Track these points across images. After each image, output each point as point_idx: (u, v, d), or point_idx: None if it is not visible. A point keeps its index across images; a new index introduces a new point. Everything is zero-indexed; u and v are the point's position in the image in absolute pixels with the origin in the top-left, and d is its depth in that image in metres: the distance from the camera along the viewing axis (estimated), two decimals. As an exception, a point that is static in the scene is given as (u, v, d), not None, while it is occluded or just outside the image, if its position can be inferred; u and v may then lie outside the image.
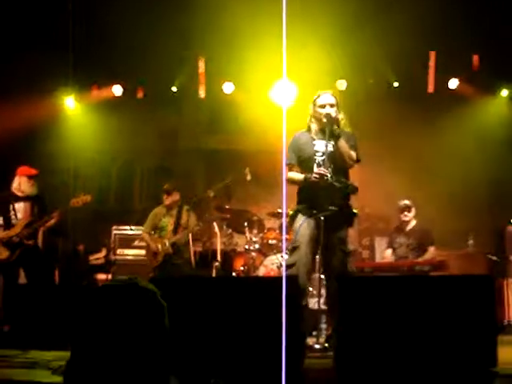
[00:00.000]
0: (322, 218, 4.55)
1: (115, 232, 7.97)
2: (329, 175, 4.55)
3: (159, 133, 9.20)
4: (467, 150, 8.09)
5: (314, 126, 4.85)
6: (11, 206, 6.38)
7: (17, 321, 6.06)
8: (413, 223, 7.06)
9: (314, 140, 4.80)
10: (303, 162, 4.80)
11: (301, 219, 4.71)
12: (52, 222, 6.39)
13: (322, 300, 5.40)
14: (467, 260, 7.18)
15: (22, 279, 6.41)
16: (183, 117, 8.99)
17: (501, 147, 7.99)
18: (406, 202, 7.07)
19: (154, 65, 8.40)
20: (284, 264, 4.74)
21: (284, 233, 4.80)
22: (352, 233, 7.88)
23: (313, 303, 6.06)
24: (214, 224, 7.69)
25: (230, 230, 7.73)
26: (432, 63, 8.14)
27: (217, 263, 7.51)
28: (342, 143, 4.65)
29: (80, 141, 8.28)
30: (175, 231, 7.12)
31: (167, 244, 7.04)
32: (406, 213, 7.04)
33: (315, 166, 4.70)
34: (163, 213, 7.29)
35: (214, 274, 7.43)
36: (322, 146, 4.73)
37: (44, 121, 8.30)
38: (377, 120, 8.04)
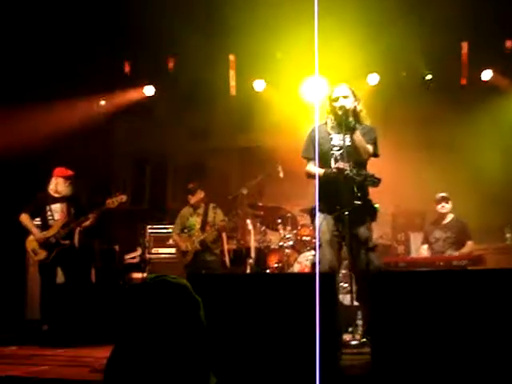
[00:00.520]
0: (343, 213, 4.52)
1: (150, 231, 8.05)
2: (348, 169, 4.52)
3: (191, 132, 9.25)
4: (503, 142, 7.94)
5: (331, 120, 4.83)
6: (48, 207, 6.48)
7: (55, 320, 6.17)
8: (450, 217, 6.97)
9: (331, 134, 4.77)
10: (321, 156, 4.74)
11: (320, 217, 4.69)
12: (88, 222, 6.47)
13: (355, 296, 5.38)
14: (505, 254, 7.04)
15: (60, 279, 6.51)
16: (215, 115, 9.01)
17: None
18: (443, 194, 6.99)
19: (184, 63, 8.44)
20: (316, 261, 4.70)
21: (317, 229, 4.74)
22: (387, 229, 7.86)
23: (347, 299, 6.03)
24: (248, 221, 7.71)
25: (264, 227, 7.72)
26: (465, 54, 7.99)
27: (251, 260, 7.52)
28: (357, 136, 4.61)
29: (113, 142, 8.38)
30: (203, 229, 7.17)
31: (195, 242, 7.10)
32: (443, 204, 6.96)
33: (332, 160, 4.68)
34: (190, 212, 7.36)
35: (248, 272, 7.44)
36: (338, 140, 4.71)
37: (79, 122, 8.42)
38: (410, 114, 7.95)
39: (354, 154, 4.62)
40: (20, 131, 7.49)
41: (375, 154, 4.79)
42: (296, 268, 6.95)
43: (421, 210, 7.96)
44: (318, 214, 4.72)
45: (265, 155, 8.25)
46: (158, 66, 8.55)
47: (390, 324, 3.39)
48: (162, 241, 7.97)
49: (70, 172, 6.60)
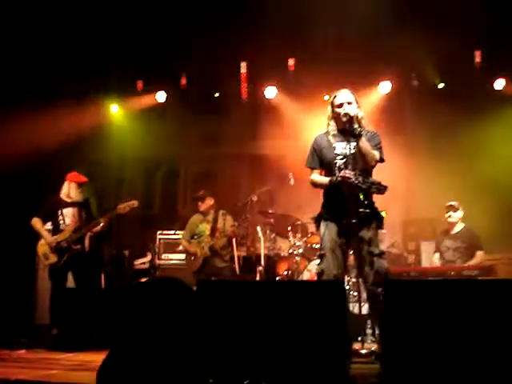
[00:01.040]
0: (350, 221, 4.47)
1: (160, 237, 8.07)
2: (353, 177, 4.45)
3: (202, 138, 9.27)
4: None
5: (333, 128, 4.75)
6: (59, 212, 6.50)
7: (65, 324, 6.18)
8: (460, 226, 6.92)
9: (333, 143, 4.70)
10: (325, 166, 4.73)
11: (322, 225, 4.68)
12: (99, 227, 6.49)
13: (365, 305, 5.35)
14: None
15: (70, 283, 6.52)
16: (226, 122, 9.03)
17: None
18: (452, 202, 6.95)
19: (196, 69, 8.47)
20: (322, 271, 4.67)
21: (322, 238, 4.72)
22: (397, 237, 7.83)
23: (357, 308, 6.01)
24: (258, 228, 7.70)
25: (274, 235, 7.71)
26: (478, 63, 7.96)
27: (260, 268, 7.51)
28: (364, 143, 4.52)
29: (125, 147, 8.40)
30: (212, 235, 7.19)
31: (205, 248, 7.12)
32: (451, 213, 6.91)
33: (336, 170, 4.62)
34: (199, 219, 7.40)
35: (257, 279, 7.43)
36: (341, 149, 4.65)
37: (90, 127, 8.46)
38: (422, 122, 7.93)
39: (358, 162, 4.56)
40: (32, 135, 7.54)
41: (381, 159, 4.70)
42: (306, 276, 6.93)
43: (432, 219, 7.91)
44: (322, 222, 4.70)
45: (276, 163, 8.25)
46: (170, 73, 8.58)
47: (402, 333, 3.36)
48: (171, 247, 7.98)
49: (83, 178, 6.62)
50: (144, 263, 8.23)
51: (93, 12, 7.19)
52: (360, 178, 4.48)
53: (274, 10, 7.05)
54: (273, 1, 6.96)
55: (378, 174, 4.79)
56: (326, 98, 8.28)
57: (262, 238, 7.68)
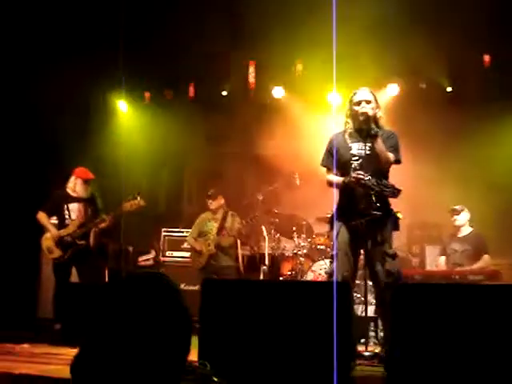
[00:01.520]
0: (360, 222, 4.45)
1: (164, 234, 8.07)
2: (366, 178, 4.39)
3: (209, 136, 9.26)
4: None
5: (350, 126, 4.68)
6: (65, 206, 6.50)
7: (68, 319, 6.18)
8: (467, 230, 6.92)
9: (349, 143, 4.63)
10: (341, 166, 4.66)
11: (337, 225, 4.62)
12: (104, 224, 6.49)
13: (369, 307, 5.34)
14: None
15: (74, 278, 6.53)
16: (233, 121, 9.02)
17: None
18: (456, 206, 6.95)
19: (204, 68, 8.47)
20: (334, 271, 4.63)
21: (334, 238, 4.69)
22: (402, 240, 7.81)
23: (360, 310, 6.00)
24: (263, 228, 7.69)
25: (278, 235, 7.71)
26: (486, 67, 7.94)
27: (264, 267, 7.51)
28: (379, 144, 4.46)
29: (131, 143, 8.40)
30: (219, 234, 7.20)
31: (211, 245, 7.12)
32: (454, 216, 6.92)
33: (352, 170, 4.55)
34: (208, 218, 7.41)
35: (261, 278, 7.43)
36: (357, 150, 4.60)
37: (97, 123, 8.47)
38: (430, 125, 7.90)
39: (373, 163, 4.49)
40: (39, 129, 7.55)
41: (397, 161, 4.64)
42: (309, 276, 6.92)
43: (438, 223, 7.90)
44: (335, 222, 4.67)
45: (281, 162, 8.23)
46: (177, 69, 8.58)
47: (408, 337, 3.35)
48: (176, 244, 7.99)
49: (90, 175, 6.62)
50: (148, 260, 8.24)
51: (100, 4, 7.18)
52: (373, 180, 4.40)
53: (281, 11, 7.06)
54: (281, 1, 6.98)
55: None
56: (330, 98, 8.34)
57: (266, 238, 7.68)
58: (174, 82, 8.87)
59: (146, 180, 9.28)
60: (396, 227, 4.66)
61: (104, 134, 8.52)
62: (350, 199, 4.56)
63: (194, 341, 2.93)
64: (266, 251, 7.60)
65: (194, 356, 3.46)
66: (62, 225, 6.49)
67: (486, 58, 7.93)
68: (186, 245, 7.82)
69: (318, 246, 7.28)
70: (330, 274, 4.63)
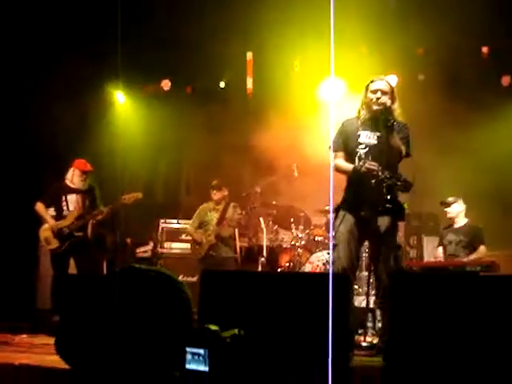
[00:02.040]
0: (364, 214, 4.41)
1: (162, 225, 8.07)
2: (379, 170, 4.30)
3: (207, 128, 9.23)
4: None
5: (364, 114, 4.62)
6: (64, 197, 6.51)
7: (66, 310, 6.18)
8: (463, 221, 6.95)
9: (359, 131, 4.58)
10: (347, 152, 4.63)
11: (340, 215, 4.58)
12: (102, 216, 6.51)
13: (369, 298, 5.36)
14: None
15: (72, 269, 6.54)
16: (231, 112, 9.01)
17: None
18: (449, 198, 6.98)
19: (202, 60, 8.45)
20: (330, 261, 4.64)
21: (331, 230, 4.67)
22: (399, 231, 7.82)
23: (359, 301, 6.03)
24: (261, 219, 7.71)
25: (276, 226, 7.73)
26: (485, 59, 7.94)
27: (262, 259, 7.53)
28: (394, 136, 4.39)
29: (129, 135, 8.40)
30: (219, 224, 7.20)
31: (211, 236, 7.13)
32: (446, 209, 6.98)
33: (357, 158, 4.51)
34: (210, 208, 7.40)
35: (259, 270, 7.45)
36: (365, 138, 4.54)
37: (95, 114, 8.46)
38: (427, 117, 7.90)
39: (383, 154, 4.40)
40: (38, 121, 7.54)
41: (407, 154, 4.58)
42: (307, 268, 6.94)
43: (435, 214, 7.92)
44: (340, 212, 4.61)
45: (280, 154, 8.23)
46: (176, 62, 8.57)
47: (407, 326, 3.36)
48: (174, 235, 7.99)
49: (88, 167, 6.62)
50: (146, 251, 8.24)
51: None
52: (386, 172, 4.32)
53: (279, 3, 7.04)
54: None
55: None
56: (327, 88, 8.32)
57: (264, 229, 7.69)
58: (171, 73, 8.85)
59: (144, 171, 9.28)
60: (402, 218, 4.61)
61: (102, 125, 8.52)
62: (360, 189, 4.48)
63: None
64: (264, 243, 7.62)
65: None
66: (59, 216, 6.50)
67: (485, 49, 7.93)
68: (184, 236, 7.84)
69: (316, 238, 7.30)
70: (327, 264, 4.63)
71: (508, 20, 7.12)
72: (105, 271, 7.73)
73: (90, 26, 7.48)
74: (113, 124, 8.70)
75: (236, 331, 2.60)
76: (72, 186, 6.56)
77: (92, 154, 7.16)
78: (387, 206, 4.34)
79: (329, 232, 7.11)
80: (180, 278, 7.57)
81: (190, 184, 9.72)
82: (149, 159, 9.26)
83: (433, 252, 7.26)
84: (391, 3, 7.25)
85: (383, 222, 4.44)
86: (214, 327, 2.39)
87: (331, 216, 4.70)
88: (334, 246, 4.56)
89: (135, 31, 7.52)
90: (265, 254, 7.57)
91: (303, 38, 7.41)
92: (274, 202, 7.71)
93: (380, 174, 4.32)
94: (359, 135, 4.58)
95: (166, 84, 8.86)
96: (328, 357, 3.23)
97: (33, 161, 7.77)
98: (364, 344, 4.73)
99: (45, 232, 6.48)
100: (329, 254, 6.79)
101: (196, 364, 2.61)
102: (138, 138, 8.72)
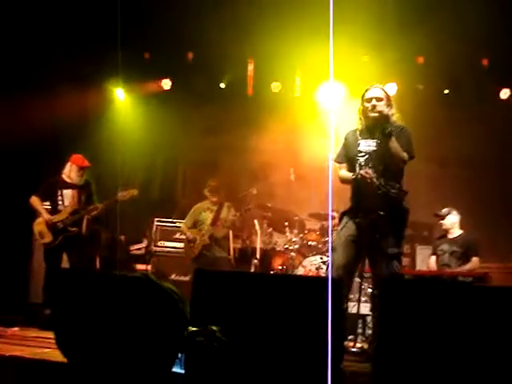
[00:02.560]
0: (359, 221, 4.46)
1: (157, 224, 8.06)
2: (373, 178, 4.36)
3: (205, 128, 9.26)
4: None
5: (361, 123, 4.65)
6: (59, 192, 6.51)
7: (57, 304, 6.18)
8: (457, 232, 6.98)
9: (359, 140, 4.61)
10: (348, 162, 4.68)
11: (344, 220, 4.63)
12: (96, 212, 6.51)
13: (360, 305, 5.39)
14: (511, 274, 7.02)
15: (65, 264, 6.53)
16: (230, 114, 9.03)
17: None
18: (443, 210, 7.01)
19: (202, 61, 8.48)
20: (329, 264, 4.65)
21: (330, 234, 4.70)
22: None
23: (350, 307, 6.04)
24: (255, 222, 7.72)
25: (271, 229, 7.74)
26: (484, 70, 7.98)
27: (255, 261, 7.54)
28: (393, 142, 4.40)
29: (127, 132, 8.40)
30: (213, 224, 7.20)
31: (205, 236, 7.13)
32: (440, 221, 7.02)
33: (357, 167, 4.54)
34: (205, 207, 7.39)
35: (252, 271, 7.47)
36: (365, 146, 4.57)
37: (94, 111, 8.46)
38: (424, 126, 7.93)
39: (382, 161, 4.44)
40: (36, 116, 7.53)
41: (411, 157, 4.56)
42: (300, 271, 6.96)
43: (429, 224, 7.95)
44: (343, 218, 4.66)
45: (277, 157, 8.26)
46: (176, 61, 8.59)
47: (396, 334, 3.39)
48: (168, 234, 7.99)
49: (86, 163, 6.63)
50: (140, 249, 8.25)
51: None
52: (381, 180, 4.38)
53: (280, 6, 7.07)
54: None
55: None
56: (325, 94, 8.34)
57: (258, 232, 7.71)
58: (171, 72, 8.86)
59: (141, 169, 9.28)
60: (402, 225, 4.58)
61: (101, 122, 8.53)
62: (358, 196, 4.55)
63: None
64: (258, 245, 7.64)
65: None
66: (54, 210, 6.50)
67: (484, 61, 7.98)
68: (178, 235, 7.84)
69: (310, 242, 7.32)
70: (327, 267, 4.63)
71: (508, 32, 7.15)
72: (98, 267, 7.73)
73: (91, 23, 7.48)
74: (112, 121, 8.71)
75: (213, 331, 2.59)
76: (68, 180, 6.56)
77: (90, 150, 7.16)
78: (381, 213, 4.36)
79: (323, 237, 7.15)
80: (173, 276, 7.59)
81: (186, 183, 9.73)
82: (146, 156, 9.27)
83: (425, 261, 7.28)
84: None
85: (379, 230, 4.43)
86: (191, 328, 2.40)
87: (329, 221, 4.73)
88: (332, 249, 4.58)
89: (136, 30, 7.55)
90: (258, 256, 7.59)
91: (303, 42, 7.44)
92: (269, 205, 7.73)
93: (375, 181, 4.36)
94: (359, 144, 4.62)
95: (166, 83, 8.87)
96: (322, 359, 3.26)
97: (31, 155, 7.76)
98: (354, 350, 4.77)
99: (39, 226, 6.47)
100: (322, 258, 6.83)
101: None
102: (137, 136, 8.73)
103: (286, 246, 7.31)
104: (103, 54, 7.50)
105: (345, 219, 4.63)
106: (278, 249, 7.65)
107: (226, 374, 3.36)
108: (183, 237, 7.52)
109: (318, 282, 3.62)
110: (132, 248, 8.30)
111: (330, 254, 4.54)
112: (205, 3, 7.37)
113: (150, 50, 8.53)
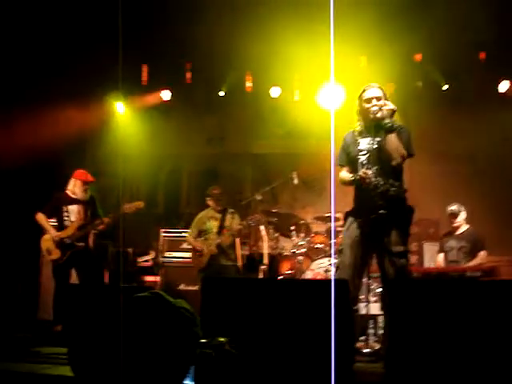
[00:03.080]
0: (361, 221, 4.46)
1: (164, 235, 8.07)
2: (372, 177, 4.37)
3: (206, 137, 9.28)
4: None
5: (360, 123, 4.64)
6: (65, 208, 6.53)
7: (68, 320, 6.18)
8: (464, 227, 6.96)
9: (358, 139, 4.60)
10: (350, 163, 4.67)
11: (349, 221, 4.62)
12: (103, 226, 6.53)
13: (370, 305, 5.37)
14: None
15: (74, 280, 6.54)
16: (231, 121, 9.05)
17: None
18: (453, 207, 6.97)
19: (201, 69, 8.49)
20: (333, 267, 4.65)
21: (333, 237, 4.69)
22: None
23: (360, 308, 6.02)
24: (261, 227, 7.70)
25: (277, 234, 7.72)
26: (482, 64, 7.97)
27: (263, 266, 7.53)
28: (392, 138, 4.39)
29: (129, 145, 8.43)
30: (219, 233, 7.18)
31: (212, 245, 7.12)
32: (451, 219, 6.98)
33: (359, 166, 4.52)
34: (208, 216, 7.36)
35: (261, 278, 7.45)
36: (365, 145, 4.56)
37: (95, 125, 8.49)
38: (426, 123, 7.93)
39: (383, 159, 4.44)
40: (38, 132, 7.56)
41: (410, 155, 4.54)
42: (309, 275, 6.93)
43: (435, 221, 7.93)
44: (348, 218, 4.65)
45: (280, 162, 8.27)
46: (175, 72, 8.61)
47: (407, 333, 3.37)
48: (175, 245, 7.98)
49: (90, 178, 6.64)
50: (147, 261, 8.25)
51: (97, 7, 7.20)
52: (379, 179, 4.39)
53: (279, 11, 7.08)
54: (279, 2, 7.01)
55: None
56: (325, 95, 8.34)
57: (265, 237, 7.69)
58: (170, 83, 8.89)
59: (145, 181, 9.30)
60: (406, 223, 4.55)
61: (102, 136, 8.55)
62: (360, 197, 4.56)
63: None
64: (265, 251, 7.62)
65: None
66: (61, 227, 6.52)
67: (482, 55, 7.96)
68: (185, 245, 7.82)
69: (317, 245, 7.29)
70: (336, 269, 4.60)
71: (506, 28, 7.15)
72: (107, 281, 7.73)
73: (91, 37, 7.52)
74: (113, 134, 8.73)
75: (223, 342, 2.60)
76: (73, 196, 6.58)
77: (93, 164, 7.19)
78: (383, 212, 4.35)
79: (330, 239, 7.13)
80: (182, 287, 7.59)
81: (191, 193, 9.74)
82: (149, 169, 9.29)
83: (433, 258, 7.26)
84: None
85: (383, 230, 4.43)
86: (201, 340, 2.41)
87: (332, 224, 4.72)
88: (340, 251, 4.57)
89: (136, 41, 7.58)
90: (266, 261, 7.57)
91: (304, 48, 7.45)
92: (274, 210, 7.71)
93: (373, 181, 4.37)
94: (359, 143, 4.60)
95: (165, 94, 8.90)
96: (331, 361, 3.25)
97: (34, 170, 7.79)
98: (366, 350, 4.75)
99: (46, 242, 6.49)
100: (330, 260, 6.81)
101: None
102: (139, 148, 8.76)
103: (294, 250, 7.28)
104: (103, 68, 7.54)
105: (349, 219, 4.63)
106: (286, 253, 7.62)
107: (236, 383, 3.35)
108: (190, 246, 7.51)
109: (324, 284, 3.61)
110: (140, 260, 8.30)
111: (332, 256, 4.51)
112: (204, 11, 7.40)
113: (148, 62, 8.56)
